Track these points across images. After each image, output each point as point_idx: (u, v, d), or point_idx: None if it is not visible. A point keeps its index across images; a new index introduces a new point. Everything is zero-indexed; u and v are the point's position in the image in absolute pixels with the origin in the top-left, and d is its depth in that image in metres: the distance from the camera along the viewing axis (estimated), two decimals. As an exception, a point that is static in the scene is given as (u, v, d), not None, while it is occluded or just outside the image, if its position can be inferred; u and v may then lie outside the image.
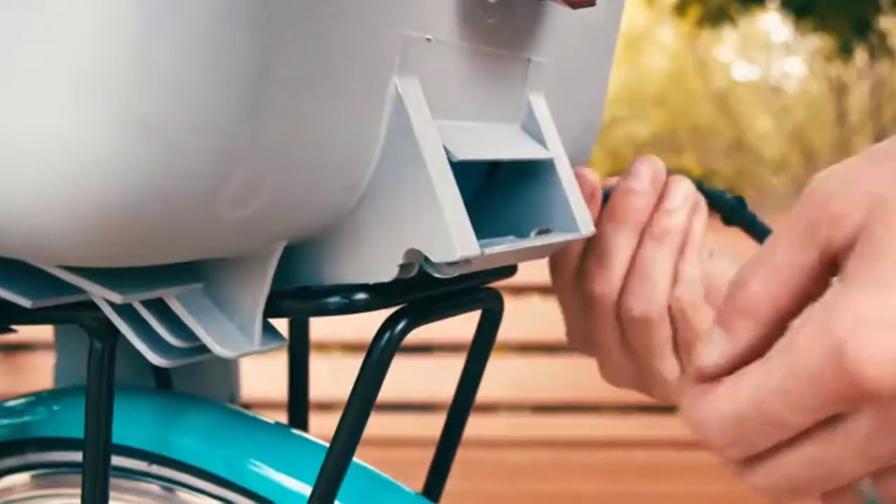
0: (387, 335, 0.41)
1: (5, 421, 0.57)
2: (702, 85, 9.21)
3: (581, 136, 0.54)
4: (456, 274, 0.39)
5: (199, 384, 0.62)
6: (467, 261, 0.39)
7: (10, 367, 2.14)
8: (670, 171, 0.54)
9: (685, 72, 9.36)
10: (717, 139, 9.27)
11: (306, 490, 0.47)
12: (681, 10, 5.28)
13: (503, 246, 0.42)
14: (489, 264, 0.41)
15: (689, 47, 8.78)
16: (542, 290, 2.07)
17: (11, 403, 0.58)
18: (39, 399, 0.58)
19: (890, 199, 0.31)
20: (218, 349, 0.38)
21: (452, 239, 0.37)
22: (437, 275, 0.39)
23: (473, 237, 0.38)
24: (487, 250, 0.40)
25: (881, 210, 0.31)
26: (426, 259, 0.38)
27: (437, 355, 2.14)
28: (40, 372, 2.07)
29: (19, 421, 0.56)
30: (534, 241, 0.44)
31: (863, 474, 0.33)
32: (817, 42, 6.60)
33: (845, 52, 5.04)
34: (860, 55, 5.53)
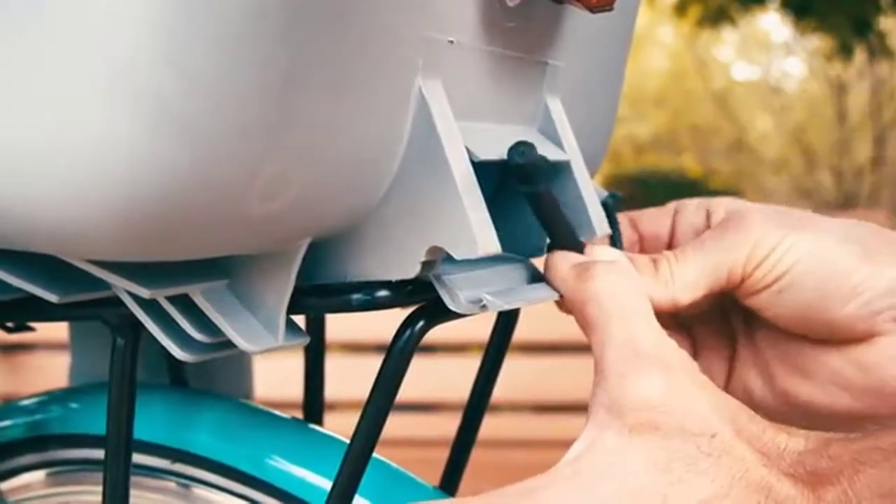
0: (407, 333, 0.42)
1: (22, 419, 0.57)
2: (702, 85, 9.21)
3: (596, 138, 0.54)
4: (475, 313, 0.41)
5: (213, 382, 0.62)
6: (484, 306, 0.41)
7: (10, 367, 2.14)
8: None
9: (685, 72, 9.37)
10: (717, 139, 9.28)
11: (327, 485, 0.47)
12: (681, 10, 5.29)
13: (525, 298, 0.43)
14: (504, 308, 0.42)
15: (689, 47, 8.79)
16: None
17: (27, 402, 0.59)
18: (56, 397, 0.58)
19: None
20: (243, 344, 0.39)
21: (475, 236, 0.38)
22: (456, 310, 0.41)
23: (495, 235, 0.39)
24: (508, 303, 0.42)
25: None
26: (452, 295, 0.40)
27: (437, 356, 2.14)
28: (40, 372, 2.07)
29: (37, 418, 0.57)
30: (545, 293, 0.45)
31: None
32: (817, 42, 6.61)
33: (845, 52, 5.05)
34: (860, 55, 5.54)
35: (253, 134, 0.32)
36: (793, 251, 0.46)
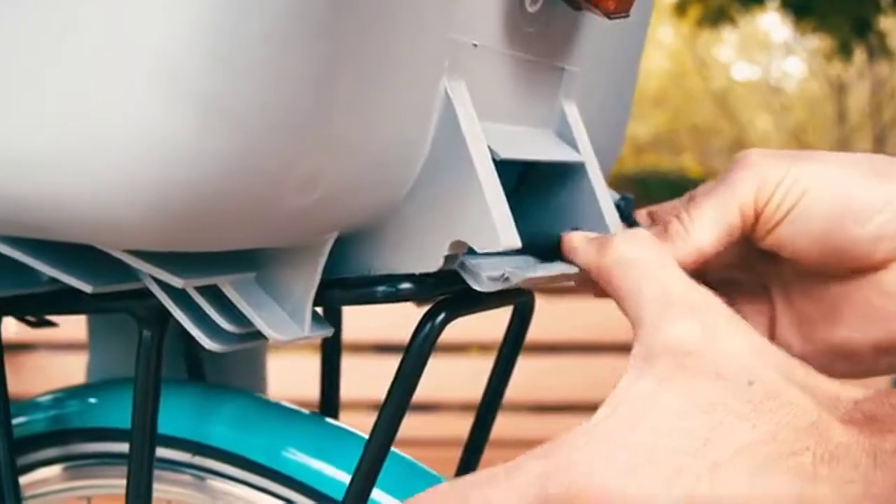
0: (427, 326, 0.43)
1: (41, 414, 0.58)
2: (702, 85, 9.22)
3: (610, 141, 0.56)
4: (498, 289, 0.41)
5: (229, 379, 0.63)
6: (507, 279, 0.41)
7: (11, 367, 2.13)
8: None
9: (685, 72, 9.37)
10: (717, 139, 9.29)
11: (345, 477, 0.48)
12: (681, 10, 5.29)
13: (545, 271, 0.44)
14: (528, 285, 0.43)
15: (689, 47, 8.79)
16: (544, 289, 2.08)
17: (45, 398, 0.59)
18: (75, 392, 0.59)
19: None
20: (271, 334, 0.40)
21: (497, 230, 0.39)
22: (479, 288, 0.41)
23: (515, 230, 0.40)
24: (530, 273, 0.42)
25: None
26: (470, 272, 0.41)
27: (437, 356, 2.14)
28: (41, 372, 2.07)
29: (57, 413, 0.57)
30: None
31: None
32: (817, 42, 6.61)
33: (845, 52, 5.05)
34: (860, 55, 5.54)
35: (294, 130, 0.33)
36: (801, 179, 0.45)
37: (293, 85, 0.32)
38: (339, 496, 0.45)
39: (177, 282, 0.38)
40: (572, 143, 0.49)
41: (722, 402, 0.36)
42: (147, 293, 0.41)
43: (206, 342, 0.41)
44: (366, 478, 0.44)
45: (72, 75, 0.31)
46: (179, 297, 0.41)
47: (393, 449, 0.48)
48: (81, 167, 0.32)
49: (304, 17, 0.32)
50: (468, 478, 0.38)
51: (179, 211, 0.32)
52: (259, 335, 0.41)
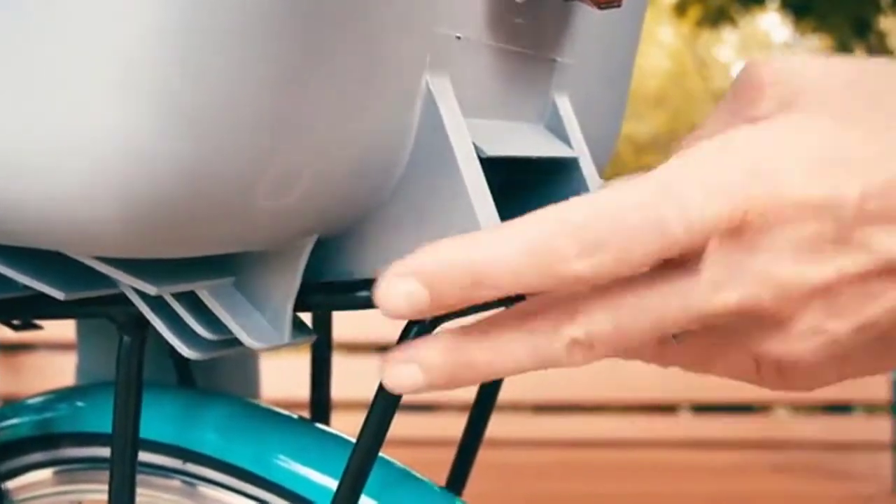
0: (415, 329, 0.42)
1: (29, 417, 0.57)
2: (702, 85, 9.24)
3: (604, 136, 0.54)
4: None
5: (220, 382, 0.62)
6: None
7: (11, 367, 2.14)
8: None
9: (685, 72, 9.40)
10: (717, 139, 9.29)
11: (333, 484, 0.47)
12: (681, 10, 5.29)
13: None
14: None
15: (689, 47, 8.81)
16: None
17: (34, 400, 0.59)
18: (64, 395, 0.58)
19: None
20: (249, 341, 0.39)
21: None
22: None
23: None
24: None
25: None
26: None
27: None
28: (40, 372, 2.08)
29: (45, 417, 0.57)
30: None
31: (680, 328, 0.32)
32: (817, 42, 6.61)
33: (845, 52, 5.05)
34: (860, 55, 5.55)
35: (261, 130, 0.32)
36: None
37: (258, 84, 0.31)
38: (327, 503, 0.44)
39: (151, 289, 0.37)
40: (564, 138, 0.47)
41: None
42: (126, 297, 0.40)
43: (184, 350, 0.40)
44: (353, 483, 0.43)
45: (28, 77, 0.30)
46: (157, 303, 0.40)
47: (381, 454, 0.47)
48: (40, 171, 0.31)
49: (266, 15, 0.31)
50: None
51: (142, 215, 0.31)
52: (239, 342, 0.39)
